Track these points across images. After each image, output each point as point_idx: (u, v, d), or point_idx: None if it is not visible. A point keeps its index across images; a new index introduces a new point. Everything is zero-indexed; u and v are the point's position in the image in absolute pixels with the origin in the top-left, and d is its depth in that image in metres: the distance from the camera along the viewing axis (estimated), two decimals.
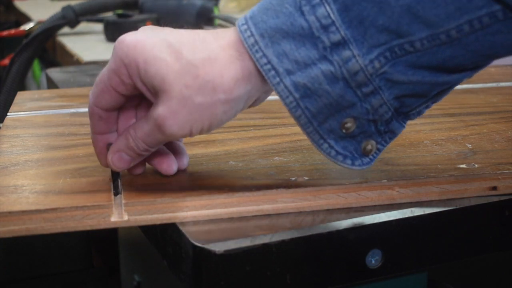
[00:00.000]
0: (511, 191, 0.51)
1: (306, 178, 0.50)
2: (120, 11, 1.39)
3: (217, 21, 1.43)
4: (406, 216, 0.47)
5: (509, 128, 0.64)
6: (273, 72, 0.43)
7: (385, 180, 0.50)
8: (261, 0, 0.45)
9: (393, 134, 0.47)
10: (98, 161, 0.50)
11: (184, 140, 0.55)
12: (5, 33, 1.49)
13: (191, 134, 0.45)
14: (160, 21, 1.34)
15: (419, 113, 0.47)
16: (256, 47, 0.43)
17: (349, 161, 0.47)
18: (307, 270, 0.45)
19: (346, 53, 0.43)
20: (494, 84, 0.85)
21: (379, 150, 0.47)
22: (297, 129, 0.46)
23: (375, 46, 0.43)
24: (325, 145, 0.46)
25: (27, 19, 1.65)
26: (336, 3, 0.42)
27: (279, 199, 0.48)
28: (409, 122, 0.47)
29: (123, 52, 0.44)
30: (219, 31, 0.45)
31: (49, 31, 1.31)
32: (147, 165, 0.51)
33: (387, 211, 0.48)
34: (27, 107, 0.73)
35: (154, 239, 0.49)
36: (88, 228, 0.45)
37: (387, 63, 0.43)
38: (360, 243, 0.46)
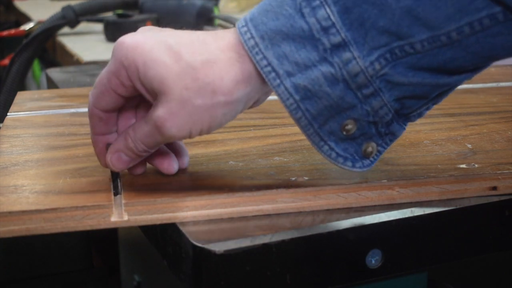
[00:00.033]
0: (511, 191, 0.51)
1: (306, 178, 0.50)
2: (120, 11, 1.39)
3: (217, 21, 1.43)
4: (406, 216, 0.47)
5: (509, 128, 0.64)
6: (273, 74, 0.43)
7: (385, 180, 0.50)
8: (261, 1, 0.45)
9: (393, 136, 0.47)
10: (98, 161, 0.50)
11: (184, 140, 0.55)
12: (5, 33, 1.49)
13: (190, 136, 0.45)
14: (160, 21, 1.34)
15: (419, 115, 0.47)
16: (256, 49, 0.43)
17: (349, 163, 0.47)
18: (307, 270, 0.45)
19: (347, 55, 0.43)
20: (494, 84, 0.85)
21: (379, 152, 0.47)
22: (297, 129, 0.46)
23: (375, 48, 0.43)
24: (326, 147, 0.46)
25: (27, 19, 1.65)
26: (336, 5, 0.42)
27: (279, 199, 0.48)
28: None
29: (122, 54, 0.44)
30: (218, 33, 0.45)
31: (49, 31, 1.31)
32: (147, 165, 0.51)
33: (387, 211, 0.48)
34: (27, 107, 0.73)
35: (154, 239, 0.49)
36: (88, 228, 0.45)
37: (387, 64, 0.43)
38: (360, 243, 0.46)
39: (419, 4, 0.41)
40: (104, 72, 0.46)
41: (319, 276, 0.46)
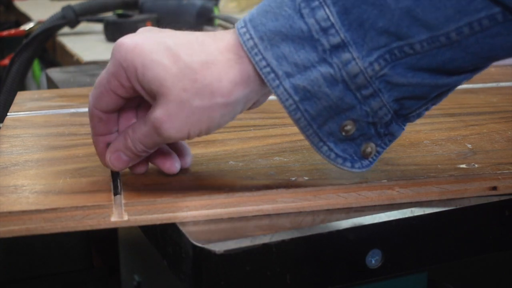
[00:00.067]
0: (511, 191, 0.51)
1: (306, 178, 0.50)
2: (120, 11, 1.38)
3: (217, 21, 1.43)
4: (406, 216, 0.47)
5: (509, 128, 0.64)
6: (272, 75, 0.43)
7: (385, 180, 0.50)
8: (261, 2, 0.45)
9: (392, 136, 0.47)
10: (98, 161, 0.50)
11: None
12: (5, 33, 1.49)
13: (189, 137, 0.45)
14: (160, 21, 1.34)
15: (418, 115, 0.47)
16: (255, 50, 0.43)
17: (348, 164, 0.47)
18: (307, 270, 0.45)
19: (346, 55, 0.43)
20: (494, 84, 0.85)
21: (378, 152, 0.47)
22: (297, 129, 0.46)
23: (374, 48, 0.43)
24: (325, 148, 0.46)
25: (27, 19, 1.65)
26: (335, 5, 0.42)
27: (279, 199, 0.48)
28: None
29: (121, 55, 0.44)
30: (217, 34, 0.45)
31: (49, 31, 1.31)
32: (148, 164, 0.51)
33: (387, 211, 0.48)
34: (27, 107, 0.73)
35: (154, 239, 0.49)
36: (88, 228, 0.45)
37: (386, 65, 0.43)
38: (360, 243, 0.46)
39: (418, 4, 0.41)
40: (103, 73, 0.46)
41: (319, 276, 0.46)
